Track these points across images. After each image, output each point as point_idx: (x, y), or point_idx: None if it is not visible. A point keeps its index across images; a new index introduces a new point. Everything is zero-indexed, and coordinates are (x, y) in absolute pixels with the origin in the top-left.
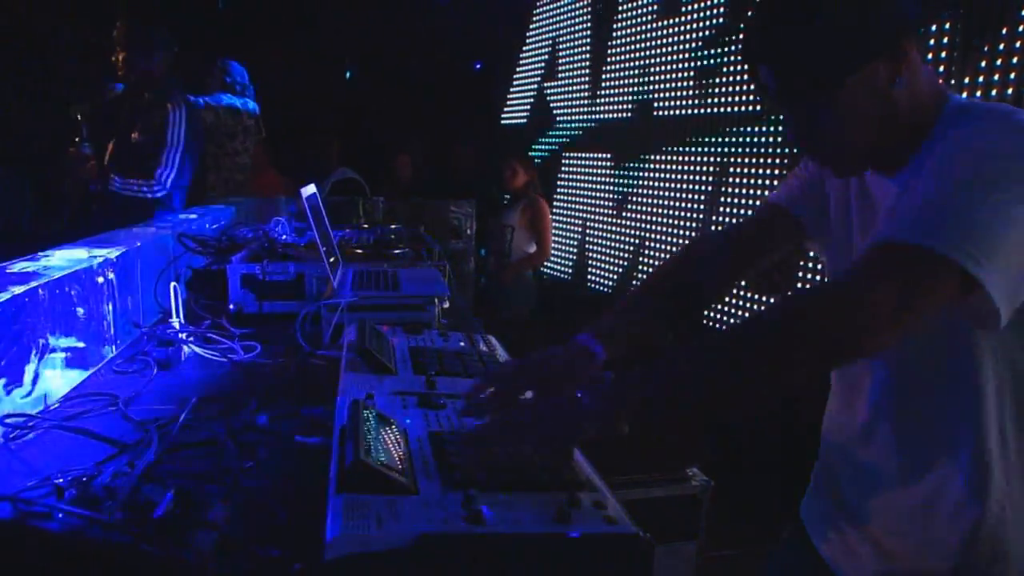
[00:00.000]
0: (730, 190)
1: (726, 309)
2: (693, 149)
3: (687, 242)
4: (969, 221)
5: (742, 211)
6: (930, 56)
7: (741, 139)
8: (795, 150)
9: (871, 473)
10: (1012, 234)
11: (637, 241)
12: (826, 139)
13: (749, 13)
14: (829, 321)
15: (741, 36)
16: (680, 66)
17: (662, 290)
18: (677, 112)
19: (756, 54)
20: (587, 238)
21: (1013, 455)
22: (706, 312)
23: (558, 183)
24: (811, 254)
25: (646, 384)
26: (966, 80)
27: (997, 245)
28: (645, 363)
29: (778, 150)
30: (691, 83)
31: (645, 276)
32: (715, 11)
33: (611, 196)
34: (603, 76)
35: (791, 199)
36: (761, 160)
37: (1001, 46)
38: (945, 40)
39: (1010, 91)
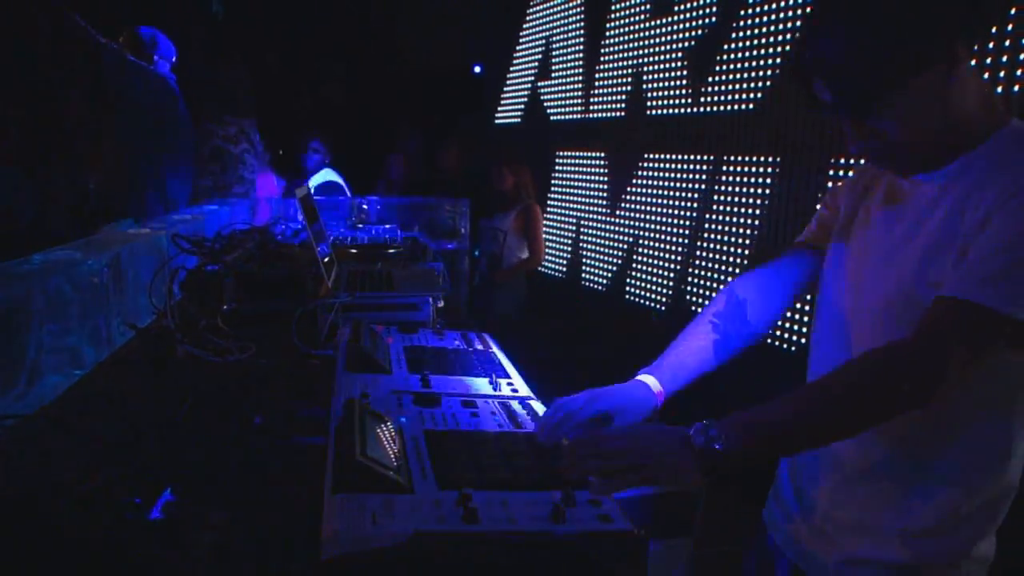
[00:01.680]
0: (723, 188)
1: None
2: (686, 147)
3: (685, 234)
4: None
5: (735, 209)
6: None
7: (734, 138)
8: (848, 150)
9: (834, 468)
10: None
11: (631, 240)
12: (887, 144)
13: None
14: (913, 377)
15: (791, 51)
16: (673, 65)
17: (714, 329)
18: (670, 111)
19: (809, 67)
20: (581, 237)
21: (977, 454)
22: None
23: (551, 182)
24: None
25: (757, 429)
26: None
27: None
28: (744, 413)
29: (771, 149)
30: (684, 82)
31: (636, 274)
32: (707, 10)
33: (604, 195)
34: (596, 75)
35: (812, 235)
36: (754, 159)
37: (991, 44)
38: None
39: (1000, 89)
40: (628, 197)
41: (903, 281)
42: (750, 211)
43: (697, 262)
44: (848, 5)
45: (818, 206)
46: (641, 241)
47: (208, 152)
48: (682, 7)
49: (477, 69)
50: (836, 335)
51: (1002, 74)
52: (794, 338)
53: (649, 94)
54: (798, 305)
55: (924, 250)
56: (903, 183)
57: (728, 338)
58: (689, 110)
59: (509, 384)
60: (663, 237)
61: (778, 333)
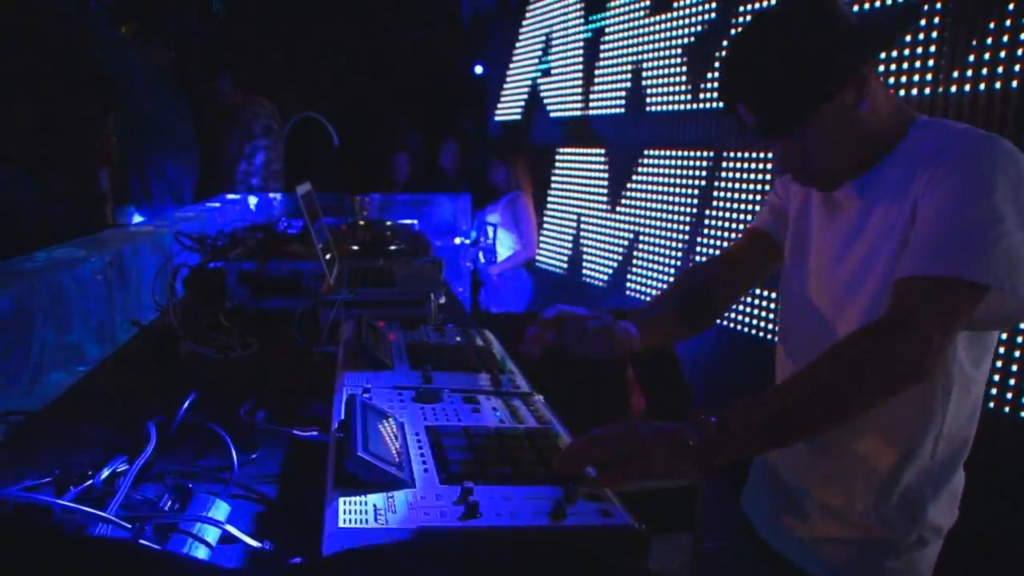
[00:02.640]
0: (723, 184)
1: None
2: (686, 143)
3: (684, 230)
4: (987, 246)
5: (734, 205)
6: (919, 51)
7: (733, 134)
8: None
9: (807, 450)
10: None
11: (631, 235)
12: (809, 162)
13: (733, 25)
14: (902, 354)
15: (717, 76)
16: (672, 61)
17: (670, 307)
18: (669, 107)
19: (733, 94)
20: (581, 232)
21: (944, 429)
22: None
23: (552, 178)
24: None
25: (751, 421)
26: (955, 74)
27: (1017, 257)
28: (739, 406)
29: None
30: (684, 78)
31: (637, 270)
32: (706, 6)
33: (605, 191)
34: (596, 71)
35: (768, 223)
36: (753, 155)
37: (989, 40)
38: (935, 34)
39: (998, 84)
40: (628, 193)
41: (856, 280)
42: (750, 207)
43: (697, 257)
44: (761, 39)
45: (769, 194)
46: (641, 237)
47: (260, 130)
48: (681, 3)
49: (479, 69)
50: (801, 327)
51: (1000, 70)
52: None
53: (649, 90)
54: None
55: (864, 254)
56: (832, 195)
57: (691, 317)
58: (689, 106)
59: (510, 379)
60: (663, 233)
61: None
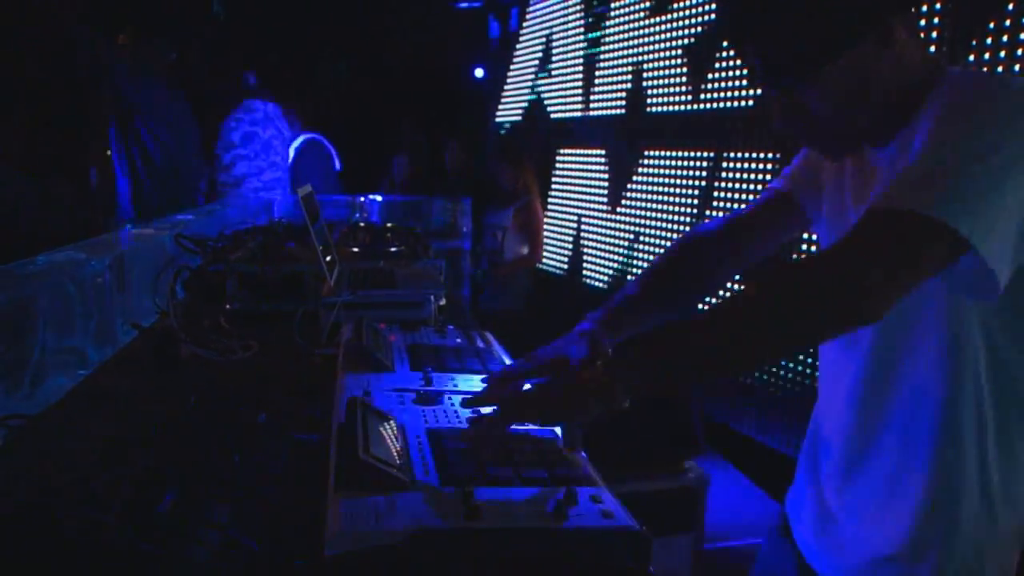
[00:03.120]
0: (724, 184)
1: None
2: (686, 144)
3: (685, 231)
4: (957, 184)
5: (735, 206)
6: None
7: (734, 134)
8: (790, 140)
9: (849, 465)
10: (1005, 197)
11: (632, 236)
12: (814, 122)
13: None
14: (828, 288)
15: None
16: (672, 62)
17: (662, 281)
18: (670, 108)
19: (740, 32)
20: (582, 234)
21: (990, 452)
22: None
23: (552, 179)
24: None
25: (648, 355)
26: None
27: (987, 207)
28: (643, 338)
29: (771, 145)
30: (684, 79)
31: (638, 271)
32: (706, 7)
33: (605, 192)
34: (596, 72)
35: (793, 183)
36: (754, 155)
37: (989, 40)
38: (935, 34)
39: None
40: (628, 194)
41: None
42: None
43: None
44: None
45: (799, 156)
46: (642, 237)
47: (239, 138)
48: (681, 3)
49: (479, 72)
50: None
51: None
52: None
53: (649, 91)
54: None
55: None
56: (867, 163)
57: (679, 292)
58: (689, 107)
59: None
60: (664, 233)
61: None
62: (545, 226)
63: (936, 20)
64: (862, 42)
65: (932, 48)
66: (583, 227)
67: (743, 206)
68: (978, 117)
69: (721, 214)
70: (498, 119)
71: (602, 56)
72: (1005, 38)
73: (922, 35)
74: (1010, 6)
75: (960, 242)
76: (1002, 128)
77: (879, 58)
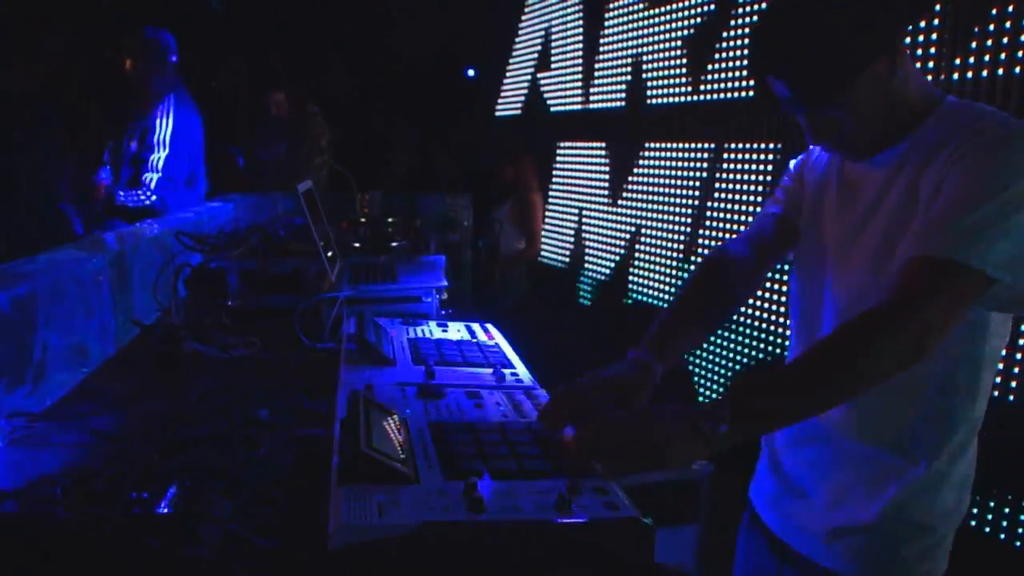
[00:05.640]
0: (724, 176)
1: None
2: (687, 136)
3: (711, 251)
4: (981, 233)
5: (736, 196)
6: (919, 52)
7: (735, 127)
8: (792, 139)
9: (812, 447)
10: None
11: (633, 229)
12: (842, 135)
13: (752, 18)
14: (902, 332)
15: (748, 47)
16: (672, 54)
17: (697, 307)
18: (670, 100)
19: (767, 67)
20: (583, 227)
21: (950, 431)
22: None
23: (553, 173)
24: None
25: (759, 407)
26: (955, 77)
27: (1010, 245)
28: (736, 390)
29: (772, 136)
30: (683, 71)
31: (639, 263)
32: None
33: (606, 185)
34: (596, 65)
35: (788, 207)
36: (755, 146)
37: (989, 42)
38: (934, 36)
39: (1001, 71)
40: (629, 186)
41: (867, 258)
42: (751, 198)
43: (699, 249)
44: (799, 7)
45: (782, 181)
46: (643, 230)
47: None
48: None
49: (471, 72)
50: (813, 313)
51: (1003, 56)
52: None
53: (649, 83)
54: None
55: (886, 228)
56: (855, 169)
57: (714, 312)
58: (689, 98)
59: (513, 374)
60: (665, 225)
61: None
62: (546, 219)
63: (936, 21)
64: (876, 61)
65: (932, 49)
66: (584, 220)
67: (743, 198)
68: (1007, 167)
69: (721, 205)
70: (497, 113)
71: (602, 48)
72: (1005, 40)
73: (922, 35)
74: (1010, 8)
75: (989, 280)
76: (1013, 176)
77: (891, 73)
